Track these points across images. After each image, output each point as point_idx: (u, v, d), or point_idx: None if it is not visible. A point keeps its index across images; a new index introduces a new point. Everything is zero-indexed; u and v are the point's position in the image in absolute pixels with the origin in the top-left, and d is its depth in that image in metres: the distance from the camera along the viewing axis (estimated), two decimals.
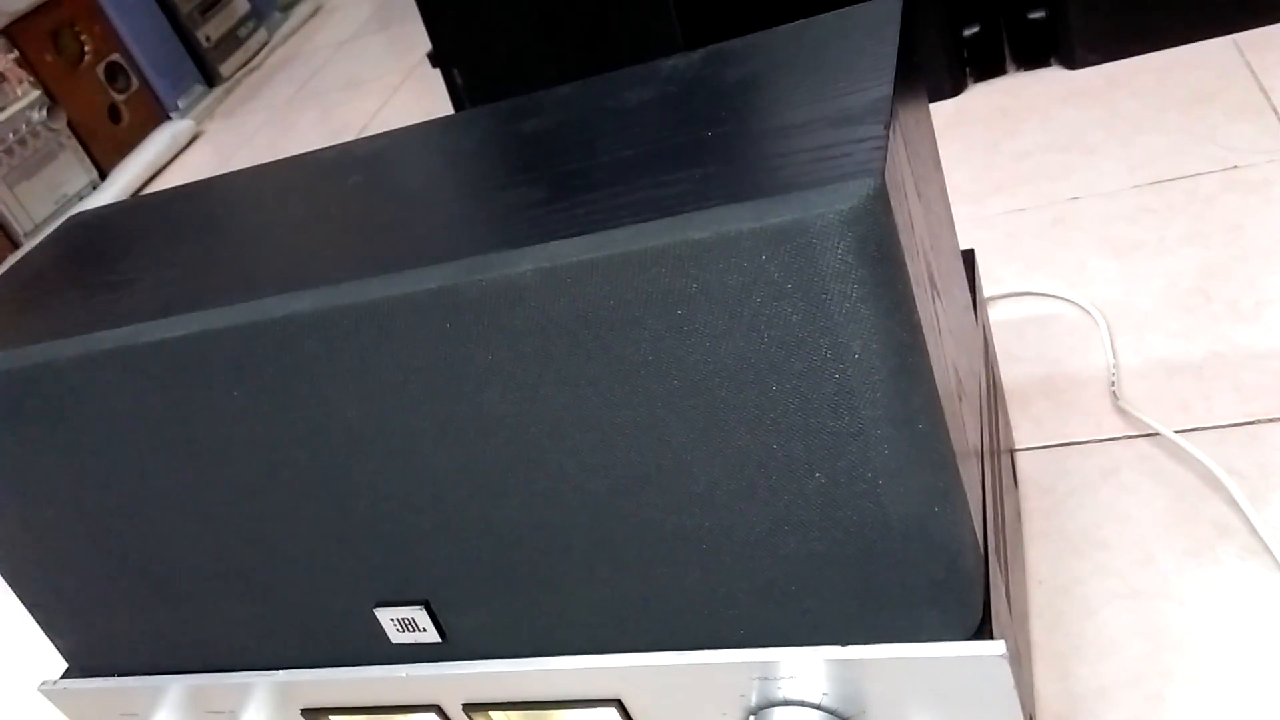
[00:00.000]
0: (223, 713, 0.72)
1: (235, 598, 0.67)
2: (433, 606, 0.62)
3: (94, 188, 2.37)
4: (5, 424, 0.64)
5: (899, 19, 0.59)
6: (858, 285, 0.46)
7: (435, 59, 1.97)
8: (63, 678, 0.76)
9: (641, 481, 0.54)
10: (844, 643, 0.56)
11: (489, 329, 0.52)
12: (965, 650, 0.54)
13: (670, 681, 0.61)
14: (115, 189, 2.32)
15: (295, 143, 2.26)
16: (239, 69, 2.87)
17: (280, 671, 0.69)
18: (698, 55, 0.64)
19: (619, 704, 0.62)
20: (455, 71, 1.68)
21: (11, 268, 0.76)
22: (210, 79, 2.77)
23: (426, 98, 2.20)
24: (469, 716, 0.66)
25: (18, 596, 0.74)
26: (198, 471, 0.62)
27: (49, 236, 0.80)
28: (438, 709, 0.66)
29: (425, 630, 0.63)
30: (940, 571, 0.53)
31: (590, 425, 0.53)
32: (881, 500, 0.51)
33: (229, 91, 2.78)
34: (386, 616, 0.63)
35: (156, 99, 2.58)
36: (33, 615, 0.74)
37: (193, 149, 2.53)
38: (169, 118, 2.59)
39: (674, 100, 0.60)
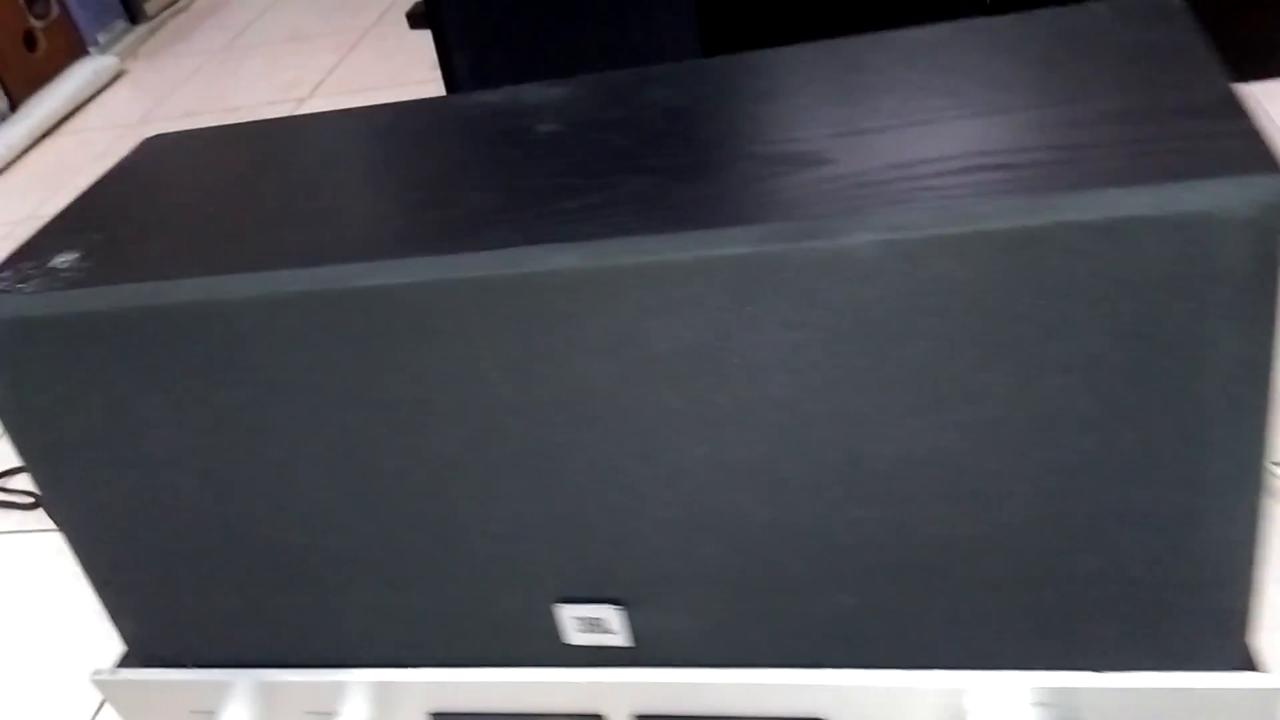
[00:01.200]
0: (326, 715, 0.64)
1: (376, 585, 0.59)
2: (628, 607, 0.56)
3: (1, 118, 2.15)
4: (125, 365, 0.55)
5: (1186, 10, 0.56)
6: (1250, 286, 0.43)
7: (417, 21, 1.87)
8: (121, 666, 0.66)
9: (929, 482, 0.49)
10: (1101, 669, 0.53)
11: (796, 301, 0.46)
12: (1237, 682, 0.51)
13: (890, 703, 0.56)
14: (30, 122, 2.11)
15: (240, 93, 2.10)
16: (164, 8, 2.67)
17: (413, 670, 0.61)
18: (946, 29, 0.59)
19: None
20: (457, 53, 1.59)
21: (96, 190, 0.66)
22: (134, 15, 2.57)
23: (392, 59, 2.08)
24: None
25: (87, 571, 0.63)
26: (372, 440, 0.54)
27: (131, 160, 0.69)
28: (597, 719, 0.60)
29: (614, 633, 0.56)
30: (1230, 600, 0.50)
31: (888, 413, 0.47)
32: (1200, 522, 0.48)
33: (153, 31, 2.58)
34: (569, 615, 0.56)
35: (76, 30, 2.37)
36: (100, 593, 0.64)
37: (115, 88, 2.33)
38: (87, 52, 2.38)
39: (957, 72, 0.55)
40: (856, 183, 0.47)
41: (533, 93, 0.63)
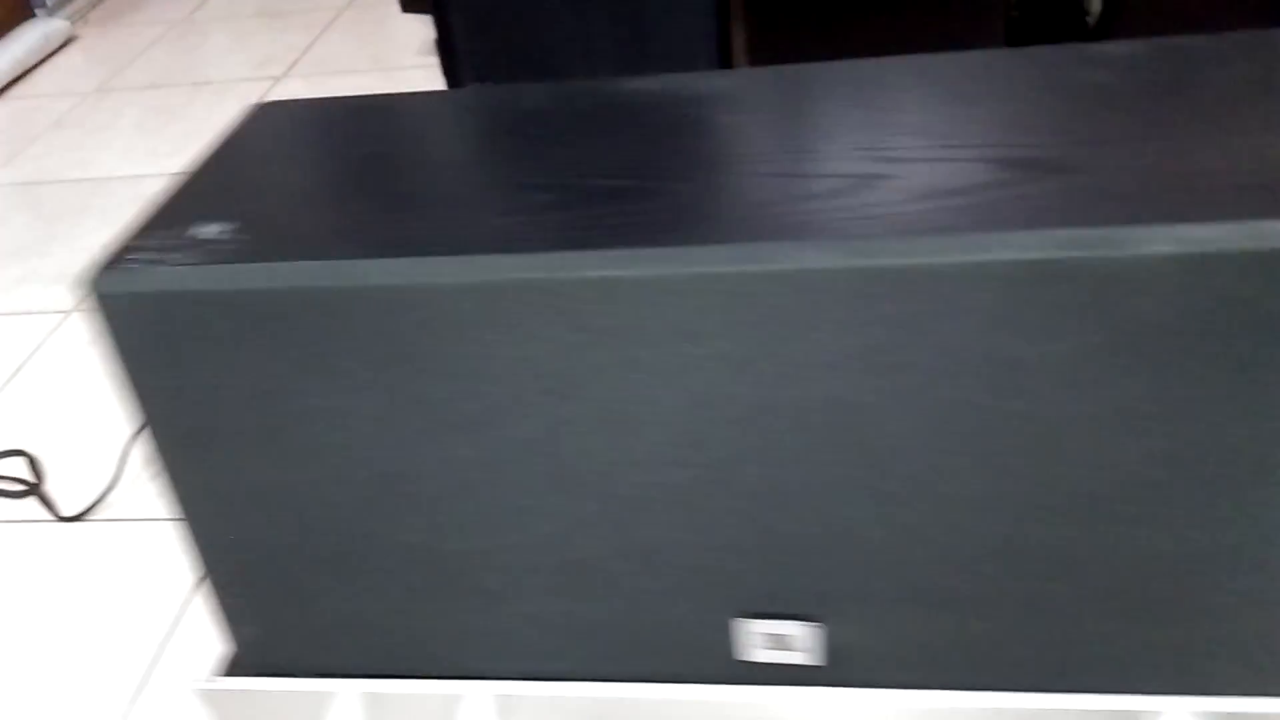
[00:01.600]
0: None
1: (541, 593, 0.56)
2: (825, 624, 0.54)
3: None
4: (286, 348, 0.50)
5: None
6: None
7: (410, 4, 1.81)
8: (228, 675, 0.61)
9: (1131, 505, 0.49)
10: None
11: (1074, 311, 0.44)
12: None
13: None
14: None
15: (209, 67, 2.01)
16: None
17: (565, 683, 0.58)
18: (1142, 46, 0.59)
19: None
20: (461, 40, 1.54)
21: (215, 159, 0.60)
22: None
23: (371, 43, 2.01)
24: None
25: (209, 568, 0.58)
26: (561, 441, 0.51)
27: (246, 128, 0.64)
28: None
29: (804, 650, 0.54)
30: None
31: (1148, 427, 0.46)
32: None
33: None
34: (754, 630, 0.54)
35: None
36: (220, 592, 0.59)
37: (66, 53, 2.20)
38: (34, 14, 2.25)
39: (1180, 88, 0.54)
40: (1108, 194, 0.46)
41: (694, 82, 0.61)
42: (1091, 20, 1.38)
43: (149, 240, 0.53)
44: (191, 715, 0.82)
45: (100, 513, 1.04)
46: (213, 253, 0.51)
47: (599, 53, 1.52)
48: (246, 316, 0.50)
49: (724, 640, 0.55)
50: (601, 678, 0.57)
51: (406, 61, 1.91)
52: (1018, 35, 1.40)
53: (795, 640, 0.54)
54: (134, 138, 1.77)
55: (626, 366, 0.49)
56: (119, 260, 0.51)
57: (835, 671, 0.55)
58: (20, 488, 1.07)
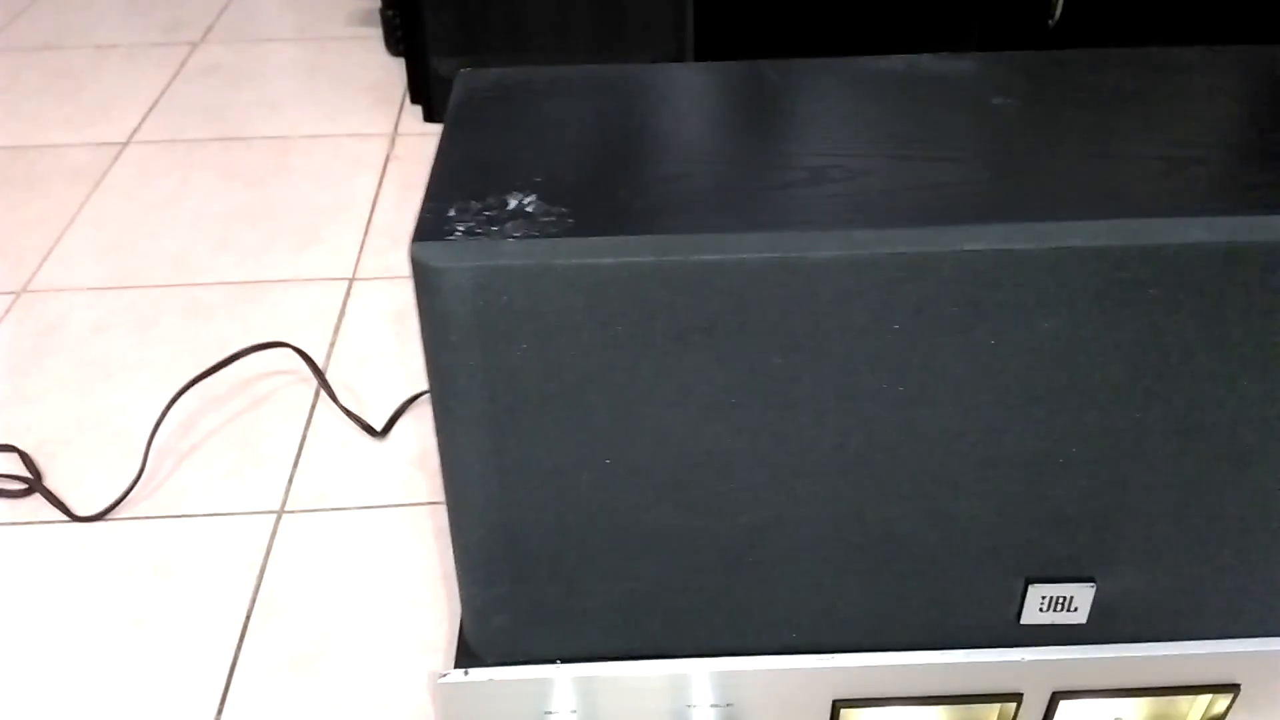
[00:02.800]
0: (717, 706, 0.59)
1: (816, 569, 0.55)
2: (1099, 584, 0.56)
3: None
4: (621, 324, 0.48)
5: None
6: None
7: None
8: (471, 667, 0.58)
9: None
10: None
11: None
12: None
13: None
14: None
15: (108, 30, 1.84)
16: None
17: (838, 656, 0.58)
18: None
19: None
20: (432, 16, 1.48)
21: (458, 130, 0.57)
22: None
23: (296, 11, 1.90)
24: (1051, 706, 0.60)
25: (466, 553, 0.55)
26: (876, 415, 0.51)
27: (468, 97, 0.60)
28: (1018, 698, 0.60)
29: (1075, 610, 0.56)
30: None
31: None
32: None
33: None
34: (1036, 594, 0.56)
35: None
36: (469, 583, 0.55)
37: None
38: None
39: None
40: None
41: (934, 63, 0.62)
42: (1053, 22, 1.47)
43: (459, 210, 0.50)
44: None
45: (123, 511, 0.95)
46: (541, 224, 0.48)
47: (575, 30, 1.50)
48: (580, 291, 0.48)
49: (1001, 606, 0.57)
50: (864, 647, 0.58)
51: (338, 31, 1.82)
52: (985, 36, 1.48)
53: (1073, 602, 0.57)
54: (42, 104, 1.61)
55: (944, 347, 0.50)
56: (441, 230, 0.48)
57: (1093, 629, 0.58)
58: (19, 486, 0.97)
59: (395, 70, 1.68)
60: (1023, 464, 0.53)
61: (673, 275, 0.47)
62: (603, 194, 0.51)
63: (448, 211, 0.50)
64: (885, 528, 0.54)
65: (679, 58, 1.54)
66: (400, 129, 1.54)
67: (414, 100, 1.57)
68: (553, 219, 0.49)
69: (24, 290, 1.22)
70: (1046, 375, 0.50)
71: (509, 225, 0.49)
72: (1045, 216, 0.48)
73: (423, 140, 1.51)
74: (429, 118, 1.55)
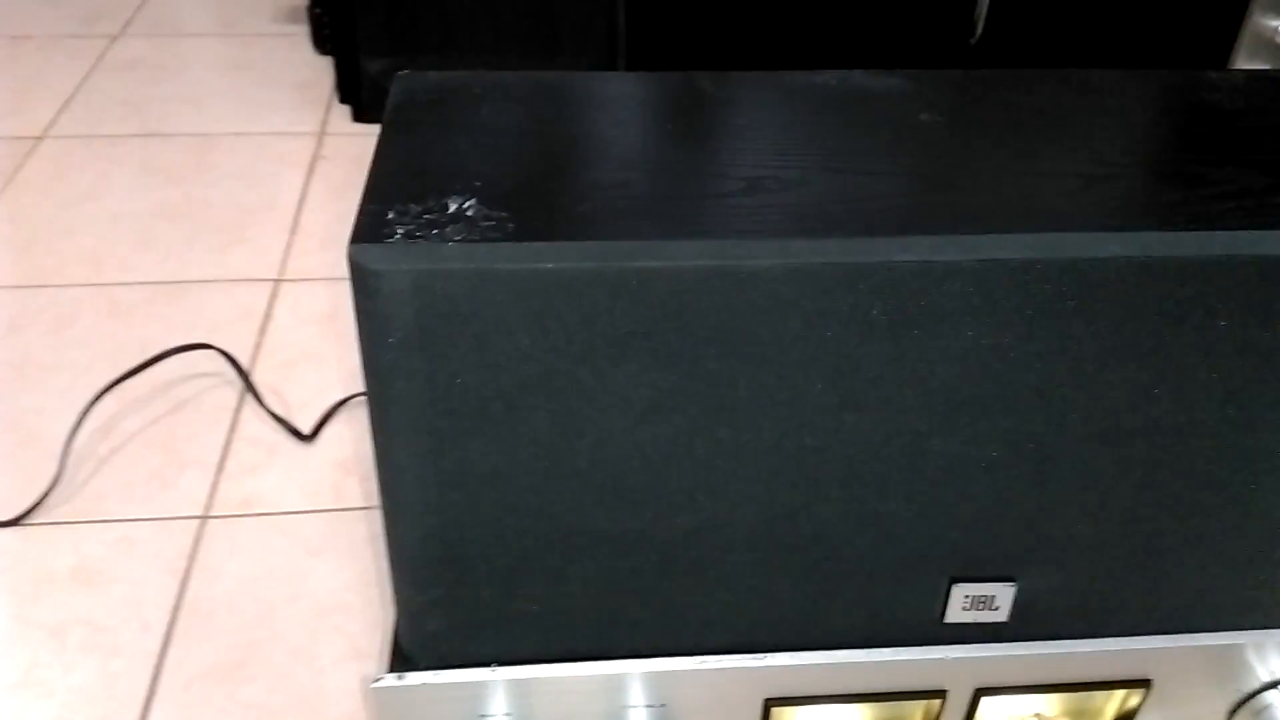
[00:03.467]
0: (651, 706, 0.59)
1: (752, 570, 0.56)
2: (1019, 583, 0.58)
3: None
4: (561, 331, 0.49)
5: None
6: None
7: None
8: (406, 671, 0.57)
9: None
10: None
11: None
12: None
13: (1213, 660, 0.62)
14: None
15: (22, 18, 1.79)
16: None
17: (770, 655, 0.59)
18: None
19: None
20: (364, 16, 1.46)
21: (394, 133, 0.56)
22: None
23: (219, 6, 1.86)
24: (974, 702, 0.62)
25: (399, 561, 0.55)
26: (803, 420, 0.52)
27: (404, 99, 0.60)
28: (942, 694, 0.61)
29: (997, 608, 0.58)
30: None
31: None
32: None
33: None
34: (960, 593, 0.58)
35: None
36: (406, 586, 0.55)
37: None
38: None
39: None
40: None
41: (865, 80, 0.64)
42: (974, 40, 1.51)
43: (398, 213, 0.49)
44: None
45: (40, 515, 0.92)
46: (481, 229, 0.49)
47: (507, 33, 1.50)
48: (520, 295, 0.48)
49: (926, 605, 0.59)
50: (794, 647, 0.59)
51: (263, 28, 1.79)
52: (901, 49, 1.52)
53: (995, 600, 0.59)
54: None
55: (872, 354, 0.51)
56: (380, 233, 0.48)
57: (1016, 627, 0.60)
58: None
59: (322, 69, 1.66)
60: (947, 467, 0.54)
61: (612, 281, 0.48)
62: (542, 200, 0.51)
63: (387, 214, 0.50)
64: (816, 529, 0.55)
65: (610, 64, 1.55)
66: (328, 128, 1.52)
67: (343, 100, 1.55)
68: (493, 223, 0.49)
69: None
70: (969, 382, 0.52)
71: (449, 229, 0.49)
72: (970, 230, 0.50)
73: (351, 140, 1.50)
74: (358, 117, 1.53)
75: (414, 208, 0.50)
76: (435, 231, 0.49)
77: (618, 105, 0.61)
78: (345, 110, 1.55)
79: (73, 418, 1.00)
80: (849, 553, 0.57)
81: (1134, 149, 0.58)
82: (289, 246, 1.28)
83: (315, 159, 1.45)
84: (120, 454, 0.99)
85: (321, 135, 1.51)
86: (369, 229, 0.48)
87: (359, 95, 1.53)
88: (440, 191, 0.51)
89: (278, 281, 1.22)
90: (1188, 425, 0.54)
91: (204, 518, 0.93)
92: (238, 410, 1.05)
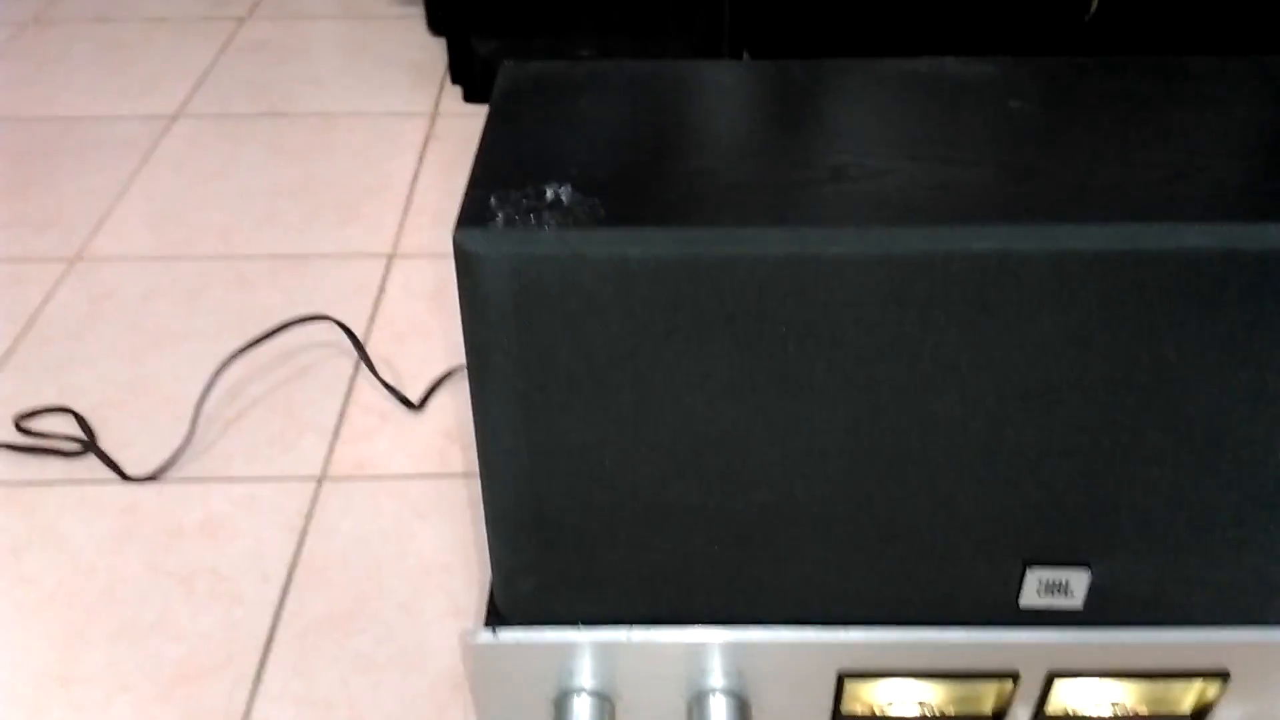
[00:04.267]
0: (729, 674, 0.63)
1: (831, 544, 0.59)
2: (1094, 570, 0.59)
3: None
4: (650, 312, 0.52)
5: None
6: None
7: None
8: (499, 628, 0.62)
9: None
10: None
11: None
12: None
13: None
14: None
15: (152, 1, 1.89)
16: None
17: (844, 629, 0.61)
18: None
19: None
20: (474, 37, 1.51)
21: (500, 122, 0.60)
22: None
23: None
24: (1046, 686, 0.63)
25: (495, 525, 0.59)
26: (888, 403, 0.54)
27: (510, 89, 0.63)
28: (1015, 676, 0.63)
29: (1071, 594, 0.59)
30: None
31: None
32: None
33: None
34: (1034, 577, 0.59)
35: None
36: (498, 549, 0.59)
37: None
38: None
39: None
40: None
41: (958, 66, 0.65)
42: (1089, 16, 1.48)
43: (499, 200, 0.53)
44: (321, 686, 0.81)
45: (173, 473, 1.00)
46: (575, 214, 0.52)
47: (613, 13, 1.53)
48: (609, 279, 0.51)
49: (1004, 587, 0.60)
50: (868, 621, 0.61)
51: (381, 10, 1.85)
52: (1013, 27, 1.50)
53: (1069, 586, 0.60)
54: (96, 75, 1.66)
55: (950, 341, 0.53)
56: (482, 217, 0.51)
57: (1088, 613, 0.61)
58: (74, 447, 1.02)
59: (436, 50, 1.72)
60: (1023, 454, 0.55)
61: (696, 268, 0.50)
62: (634, 186, 0.54)
63: (489, 200, 0.53)
64: (891, 510, 0.57)
65: (715, 45, 1.57)
66: (440, 109, 1.58)
67: (454, 80, 1.60)
68: (586, 210, 0.52)
69: (77, 258, 1.27)
70: (1047, 370, 0.53)
71: (546, 215, 0.52)
72: (1050, 219, 0.51)
73: (462, 120, 1.55)
74: (468, 98, 1.58)
75: (514, 194, 0.54)
76: (532, 217, 0.52)
77: (709, 94, 0.63)
78: (457, 91, 1.60)
79: (203, 381, 1.08)
80: (923, 533, 0.58)
81: (1229, 140, 0.58)
82: (402, 224, 1.34)
83: (428, 138, 1.51)
84: (245, 417, 1.06)
85: (434, 115, 1.56)
86: (472, 213, 0.52)
87: (470, 77, 1.58)
88: (539, 178, 0.55)
89: (391, 257, 1.28)
90: (1268, 417, 0.54)
91: (320, 479, 0.99)
92: (353, 379, 1.11)
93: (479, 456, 0.57)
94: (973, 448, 0.56)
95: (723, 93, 0.64)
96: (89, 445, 1.01)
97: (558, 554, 0.59)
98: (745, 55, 1.66)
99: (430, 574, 0.90)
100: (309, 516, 0.96)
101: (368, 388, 1.09)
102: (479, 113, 1.56)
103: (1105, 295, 0.51)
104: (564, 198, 0.54)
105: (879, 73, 0.65)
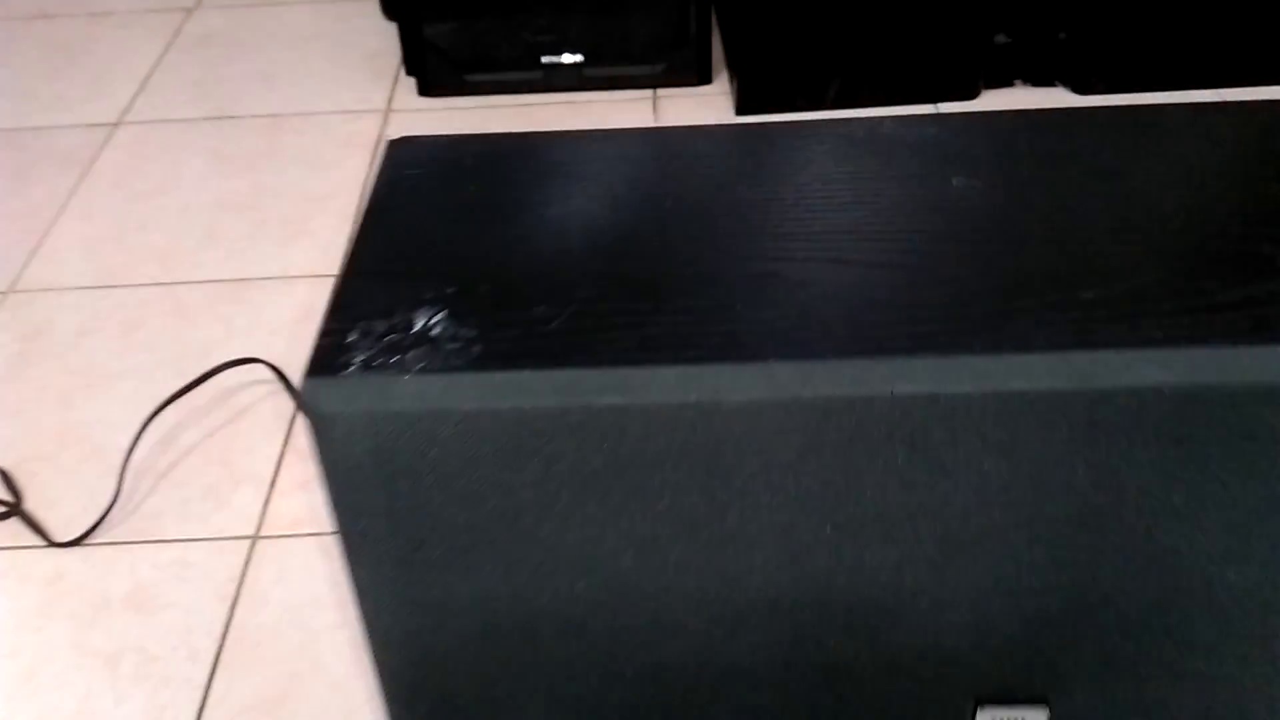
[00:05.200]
0: None
1: (758, 693, 0.53)
2: (1052, 706, 0.54)
3: None
4: (527, 462, 0.46)
5: None
6: None
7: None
8: None
9: None
10: None
11: None
12: None
13: None
14: None
15: None
16: None
17: None
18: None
19: None
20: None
21: (381, 214, 0.53)
22: None
23: None
24: None
25: (384, 676, 0.53)
26: (811, 542, 0.48)
27: (394, 173, 0.57)
28: None
29: None
30: None
31: None
32: None
33: None
34: (986, 717, 0.54)
35: None
36: (392, 707, 0.54)
37: None
38: None
39: None
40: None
41: (896, 129, 0.58)
42: None
43: (362, 334, 0.47)
44: None
45: (100, 535, 0.95)
46: (445, 353, 0.45)
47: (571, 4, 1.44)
48: (482, 433, 0.45)
49: None
50: None
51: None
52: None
53: None
54: (34, 81, 1.58)
55: (876, 484, 0.47)
56: (337, 362, 0.45)
57: None
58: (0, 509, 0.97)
59: (391, 36, 1.63)
60: (969, 596, 0.50)
61: (578, 420, 0.44)
62: (516, 310, 0.48)
63: (348, 335, 0.47)
64: (825, 656, 0.52)
65: (682, 24, 1.48)
66: (394, 104, 1.50)
67: (409, 72, 1.52)
68: (459, 345, 0.46)
69: (11, 290, 1.21)
70: (989, 512, 0.47)
71: (410, 355, 0.46)
72: (988, 348, 0.44)
73: (416, 117, 1.47)
74: (424, 91, 1.50)
75: (378, 325, 0.47)
76: (395, 359, 0.46)
77: (613, 174, 0.57)
78: (412, 84, 1.52)
79: (135, 427, 1.02)
80: (862, 677, 0.53)
81: (1191, 218, 0.51)
82: (350, 239, 1.27)
83: (380, 139, 1.43)
84: (179, 468, 1.01)
85: (387, 113, 1.48)
86: (327, 357, 0.46)
87: (423, 66, 1.49)
88: (409, 302, 0.48)
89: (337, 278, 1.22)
90: (1225, 552, 0.48)
91: (255, 538, 0.94)
92: (293, 419, 1.05)
93: (359, 617, 0.52)
94: (912, 592, 0.50)
95: (628, 171, 0.57)
96: (13, 508, 0.96)
97: (455, 710, 0.54)
98: (715, 21, 1.57)
99: (366, 645, 0.85)
100: (241, 582, 0.91)
101: (307, 430, 1.04)
102: (435, 107, 1.48)
103: (1050, 438, 0.45)
104: (435, 328, 0.47)
105: (809, 141, 0.58)
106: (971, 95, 1.48)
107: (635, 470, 0.45)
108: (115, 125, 1.47)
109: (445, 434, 0.44)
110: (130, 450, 0.99)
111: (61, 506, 0.97)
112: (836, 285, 0.48)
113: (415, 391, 0.44)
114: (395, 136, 0.60)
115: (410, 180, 0.56)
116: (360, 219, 0.54)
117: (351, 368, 0.45)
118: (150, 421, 1.02)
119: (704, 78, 1.51)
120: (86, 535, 0.94)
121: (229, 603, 0.89)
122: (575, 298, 0.48)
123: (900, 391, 0.43)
